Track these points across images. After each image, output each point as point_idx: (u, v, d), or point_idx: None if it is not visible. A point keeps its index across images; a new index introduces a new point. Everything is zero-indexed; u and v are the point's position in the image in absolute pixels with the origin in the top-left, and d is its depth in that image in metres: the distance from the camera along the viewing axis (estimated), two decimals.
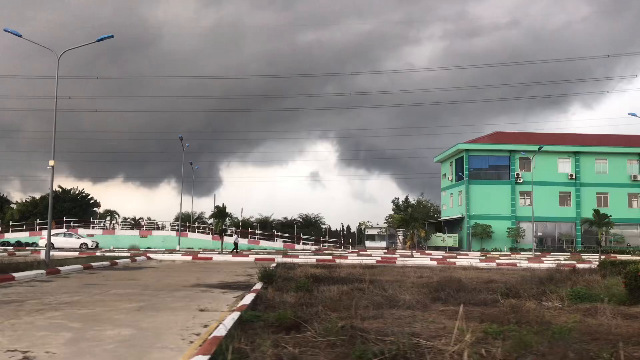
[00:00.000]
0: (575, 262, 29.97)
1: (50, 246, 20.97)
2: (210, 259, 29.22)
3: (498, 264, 28.04)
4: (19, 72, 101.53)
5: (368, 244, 69.81)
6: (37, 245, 46.20)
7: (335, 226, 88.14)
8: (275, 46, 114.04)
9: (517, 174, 55.62)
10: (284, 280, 13.69)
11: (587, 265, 24.90)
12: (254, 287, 12.40)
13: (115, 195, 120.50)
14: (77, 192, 70.26)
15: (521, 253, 47.69)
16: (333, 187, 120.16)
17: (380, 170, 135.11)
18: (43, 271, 16.58)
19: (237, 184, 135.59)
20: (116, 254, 29.98)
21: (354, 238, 75.49)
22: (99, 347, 6.54)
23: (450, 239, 55.36)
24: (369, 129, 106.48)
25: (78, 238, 40.81)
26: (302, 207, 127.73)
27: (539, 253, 46.67)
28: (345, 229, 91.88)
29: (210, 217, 41.79)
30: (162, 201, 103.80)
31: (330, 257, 32.57)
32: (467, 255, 42.89)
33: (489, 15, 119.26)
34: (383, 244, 68.36)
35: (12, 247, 42.43)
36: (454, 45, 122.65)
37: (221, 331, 6.65)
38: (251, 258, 30.50)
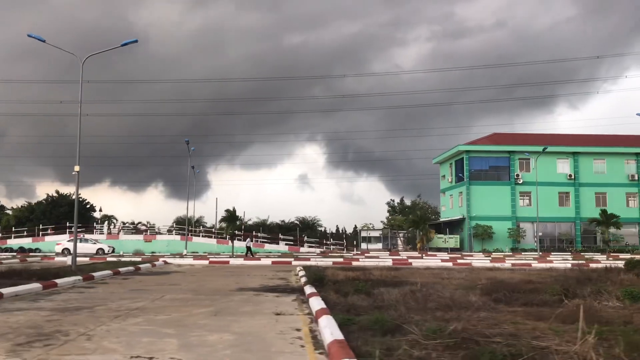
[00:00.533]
0: (584, 262, 30.38)
1: (75, 252, 20.84)
2: (227, 262, 29.21)
3: (513, 265, 28.29)
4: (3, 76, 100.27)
5: (364, 245, 69.84)
6: (40, 250, 45.85)
7: (330, 228, 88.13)
8: (262, 49, 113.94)
9: (517, 175, 56.16)
10: (334, 283, 13.77)
11: (599, 265, 25.28)
12: (309, 292, 12.44)
13: (103, 200, 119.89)
14: (73, 196, 69.62)
15: (522, 253, 48.12)
16: (322, 190, 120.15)
17: (368, 173, 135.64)
18: (79, 277, 16.51)
19: (225, 187, 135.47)
20: (134, 259, 29.90)
21: (350, 240, 75.44)
22: (218, 352, 6.60)
23: (452, 240, 55.70)
24: (356, 131, 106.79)
25: (94, 243, 40.56)
26: (292, 210, 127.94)
27: (540, 253, 47.11)
28: (341, 231, 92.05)
29: (221, 220, 41.69)
30: (150, 205, 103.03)
31: (342, 260, 32.69)
32: (471, 256, 43.23)
33: (475, 16, 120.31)
34: (379, 245, 68.34)
35: (15, 253, 42.05)
36: (440, 47, 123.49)
37: (336, 335, 6.73)
38: (264, 262, 30.50)
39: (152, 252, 44.09)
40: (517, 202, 56.34)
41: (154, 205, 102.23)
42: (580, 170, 56.43)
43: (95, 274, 17.83)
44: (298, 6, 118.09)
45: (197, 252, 44.74)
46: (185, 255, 39.28)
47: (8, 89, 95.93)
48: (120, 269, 20.62)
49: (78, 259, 31.01)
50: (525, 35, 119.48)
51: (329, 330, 7.04)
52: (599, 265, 24.48)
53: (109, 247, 40.70)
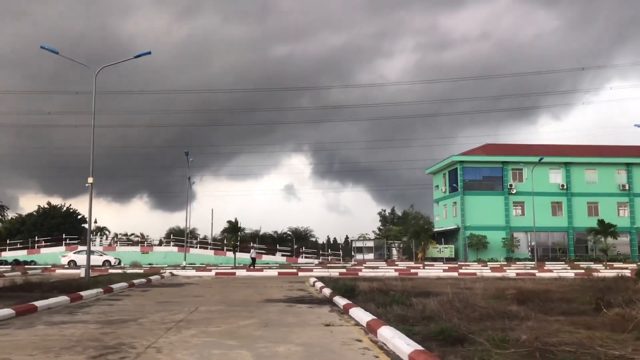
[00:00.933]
0: (584, 271, 30.76)
1: (89, 265, 20.66)
2: (234, 274, 29.12)
3: (517, 274, 28.54)
4: None
5: (360, 256, 69.85)
6: (35, 263, 45.25)
7: (320, 239, 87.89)
8: (249, 59, 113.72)
9: (510, 185, 56.69)
10: (366, 294, 13.84)
11: (606, 274, 25.65)
12: (343, 303, 12.49)
13: (85, 211, 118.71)
14: (64, 208, 68.77)
15: (517, 263, 48.50)
16: (308, 200, 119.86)
17: (354, 183, 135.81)
18: (101, 290, 16.41)
19: (211, 198, 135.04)
20: (137, 271, 29.72)
21: (343, 251, 75.39)
22: None
23: (447, 250, 56.01)
24: (342, 141, 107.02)
25: (101, 255, 40.22)
26: (279, 220, 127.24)
27: (535, 262, 47.44)
28: (332, 242, 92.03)
29: (224, 231, 41.58)
30: (135, 216, 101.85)
31: (345, 270, 32.80)
32: (468, 265, 43.50)
33: (460, 28, 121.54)
34: (371, 255, 68.37)
35: (11, 266, 41.44)
36: (425, 58, 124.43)
37: (413, 345, 6.81)
38: (269, 273, 30.46)
39: (150, 264, 43.71)
40: (510, 212, 56.84)
41: (139, 217, 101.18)
42: (572, 180, 57.14)
43: (114, 287, 17.70)
44: (284, 18, 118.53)
45: (194, 264, 44.43)
46: (185, 266, 39.00)
47: None
48: (134, 281, 20.49)
49: (79, 271, 30.81)
50: (509, 47, 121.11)
51: (403, 341, 7.12)
52: (607, 275, 24.86)
53: (115, 258, 40.47)
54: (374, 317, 9.53)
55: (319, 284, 19.04)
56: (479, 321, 9.64)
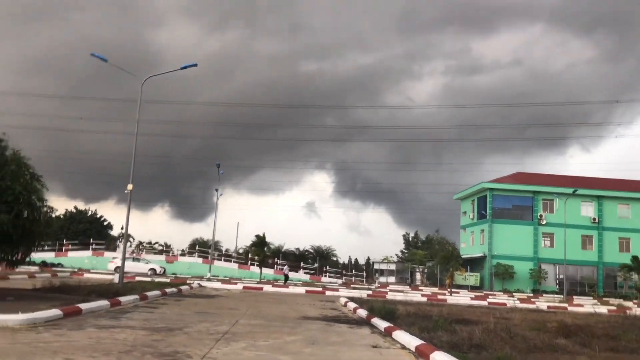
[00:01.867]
0: (615, 308, 30.00)
1: (123, 271, 20.89)
2: (261, 289, 29.09)
3: (549, 307, 28.03)
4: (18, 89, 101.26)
5: (383, 279, 69.39)
6: (62, 265, 45.87)
7: (342, 258, 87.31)
8: (277, 75, 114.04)
9: (540, 215, 55.90)
10: (407, 317, 13.70)
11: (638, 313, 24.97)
12: (384, 325, 12.37)
13: (109, 217, 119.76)
14: (90, 213, 69.62)
15: (544, 295, 47.56)
16: (329, 218, 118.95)
17: (375, 204, 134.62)
18: (137, 296, 16.53)
19: (232, 211, 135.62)
20: (162, 280, 29.94)
21: (364, 272, 74.98)
22: None
23: (472, 278, 55.15)
24: (366, 161, 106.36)
25: (147, 263, 41.08)
26: (298, 237, 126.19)
27: (563, 296, 46.48)
28: (353, 262, 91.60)
29: (251, 245, 41.72)
30: (155, 225, 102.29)
31: (371, 292, 32.56)
32: (494, 295, 42.73)
33: (491, 53, 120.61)
34: (392, 278, 67.89)
35: (38, 267, 41.96)
36: (454, 82, 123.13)
37: None
38: (296, 290, 30.44)
39: (174, 274, 43.88)
40: (539, 242, 55.97)
41: (160, 225, 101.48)
42: (604, 214, 56.13)
43: (148, 294, 17.81)
44: (314, 35, 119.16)
45: (218, 276, 44.49)
46: (210, 278, 39.08)
47: (21, 101, 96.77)
48: (167, 290, 20.62)
49: (109, 276, 31.14)
50: (541, 75, 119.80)
51: None
52: None
53: (161, 267, 41.11)
54: (424, 342, 9.41)
55: (351, 305, 18.92)
56: (529, 352, 9.48)
